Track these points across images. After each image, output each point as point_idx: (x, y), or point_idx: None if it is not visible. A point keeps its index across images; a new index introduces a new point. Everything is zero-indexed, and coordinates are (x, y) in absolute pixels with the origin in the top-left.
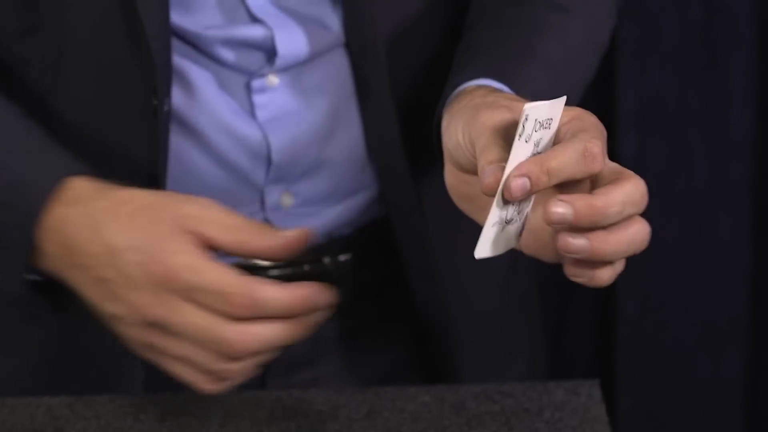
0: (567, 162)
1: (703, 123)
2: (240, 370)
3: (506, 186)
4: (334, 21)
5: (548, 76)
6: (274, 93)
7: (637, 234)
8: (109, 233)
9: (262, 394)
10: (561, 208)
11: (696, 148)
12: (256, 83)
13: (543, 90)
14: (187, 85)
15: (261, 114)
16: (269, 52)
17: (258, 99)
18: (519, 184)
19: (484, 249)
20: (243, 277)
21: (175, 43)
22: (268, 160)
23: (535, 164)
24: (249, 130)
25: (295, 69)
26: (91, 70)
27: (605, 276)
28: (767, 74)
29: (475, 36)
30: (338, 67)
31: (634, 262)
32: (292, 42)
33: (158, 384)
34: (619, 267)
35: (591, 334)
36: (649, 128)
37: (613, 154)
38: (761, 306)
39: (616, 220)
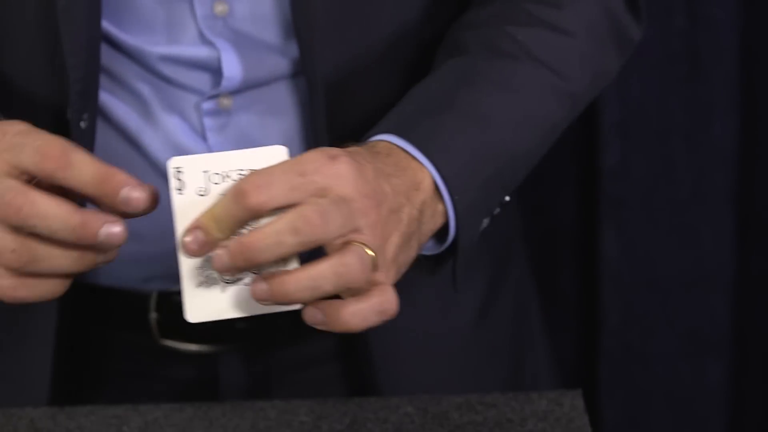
0: (222, 205)
1: (686, 133)
2: (17, 251)
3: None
4: (293, 49)
5: (470, 129)
6: (229, 116)
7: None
8: None
9: (245, 405)
10: (220, 250)
11: (679, 158)
12: (206, 105)
13: (460, 144)
14: (142, 104)
15: (212, 137)
16: (216, 73)
17: (209, 122)
18: (191, 240)
19: (195, 313)
20: (64, 140)
21: (123, 60)
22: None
23: (203, 217)
24: (198, 151)
25: (249, 93)
26: (16, 74)
27: (342, 321)
28: (750, 85)
29: (410, 91)
30: (298, 96)
31: (617, 271)
32: (240, 65)
33: (64, 397)
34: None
35: (574, 343)
36: (632, 138)
37: (596, 164)
38: (743, 315)
39: (274, 254)
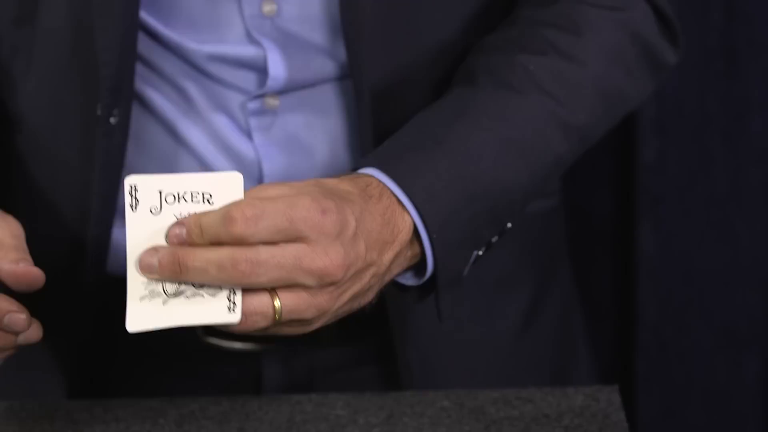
0: (210, 220)
1: (723, 129)
2: None
3: (139, 263)
4: (341, 52)
5: (457, 166)
6: (275, 116)
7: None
8: None
9: (282, 398)
10: (148, 256)
11: (716, 154)
12: (252, 104)
13: (444, 182)
14: (186, 100)
15: (257, 137)
16: (261, 73)
17: (255, 121)
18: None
19: (135, 322)
20: None
21: (163, 53)
22: (260, 183)
23: (191, 219)
24: (244, 150)
25: (296, 94)
26: (50, 71)
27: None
28: None
29: (412, 119)
30: (345, 99)
31: (654, 266)
32: (286, 66)
33: (81, 391)
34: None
35: (610, 338)
36: (669, 134)
37: (633, 160)
38: None
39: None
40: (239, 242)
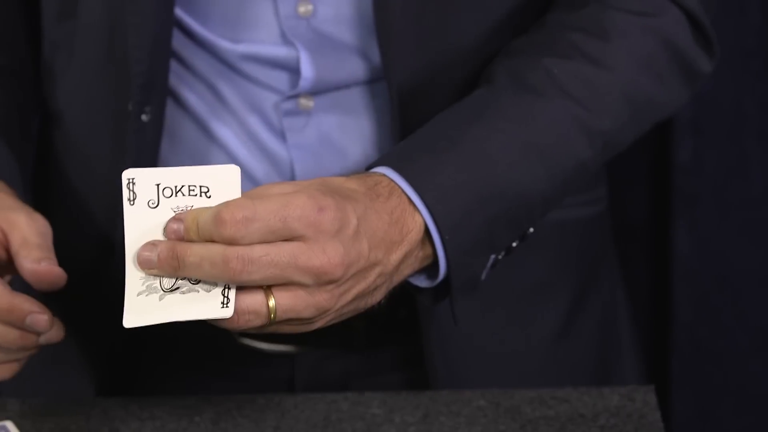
0: (204, 219)
1: (760, 129)
2: None
3: (137, 257)
4: (374, 53)
5: (472, 168)
6: (309, 117)
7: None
8: None
9: (317, 396)
10: (146, 251)
11: (752, 155)
12: (286, 105)
13: (458, 183)
14: (219, 99)
15: (291, 137)
16: (294, 73)
17: (288, 122)
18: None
19: (132, 318)
20: None
21: (197, 51)
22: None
23: (189, 214)
24: (276, 151)
25: (330, 95)
26: (87, 68)
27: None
28: None
29: (432, 119)
30: (378, 100)
31: (689, 267)
32: (319, 67)
33: (110, 390)
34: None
35: (645, 339)
36: (705, 134)
37: (669, 161)
38: None
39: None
40: (231, 244)
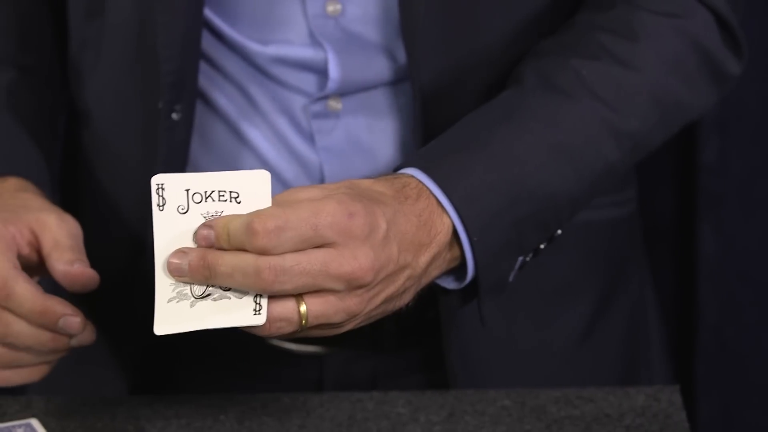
0: (236, 227)
1: None
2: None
3: (167, 265)
4: (401, 53)
5: (500, 169)
6: (338, 119)
7: None
8: None
9: (342, 395)
10: (177, 258)
11: None
12: (314, 107)
13: (486, 184)
14: (249, 101)
15: (320, 139)
16: (321, 75)
17: (317, 124)
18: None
19: (163, 325)
20: (10, 268)
21: (226, 52)
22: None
23: (220, 221)
24: (305, 153)
25: (358, 96)
26: (115, 66)
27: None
28: None
29: (461, 120)
30: (406, 101)
31: (714, 267)
32: (346, 67)
33: (142, 389)
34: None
35: (669, 339)
36: (730, 134)
37: (694, 161)
38: None
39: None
40: (263, 254)
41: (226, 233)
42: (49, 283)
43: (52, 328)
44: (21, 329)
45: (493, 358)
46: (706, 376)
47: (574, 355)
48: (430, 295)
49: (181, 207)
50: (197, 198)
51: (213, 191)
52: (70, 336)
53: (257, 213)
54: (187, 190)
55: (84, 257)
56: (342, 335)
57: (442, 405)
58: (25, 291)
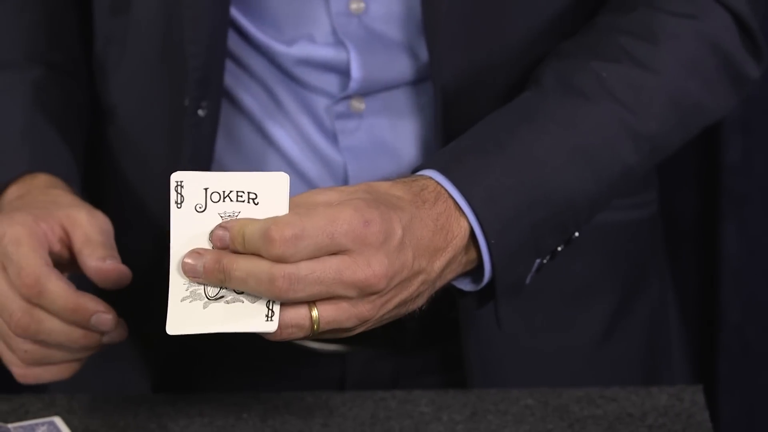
0: (252, 232)
1: None
2: (29, 352)
3: (182, 265)
4: (423, 52)
5: (519, 172)
6: (361, 119)
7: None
8: (6, 214)
9: (365, 394)
10: (192, 259)
11: None
12: (338, 107)
13: (505, 187)
14: (273, 100)
15: (343, 140)
16: (344, 75)
17: (340, 124)
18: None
19: (175, 325)
20: (42, 265)
21: (251, 52)
22: (344, 185)
23: (236, 223)
24: (329, 153)
25: (381, 96)
26: (141, 62)
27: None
28: None
29: (479, 123)
30: (429, 100)
31: (737, 267)
32: (369, 67)
33: (165, 387)
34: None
35: (692, 339)
36: (754, 134)
37: (717, 160)
38: None
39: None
40: (278, 261)
41: (241, 236)
42: (76, 280)
43: (84, 325)
44: (53, 326)
45: (513, 359)
46: (729, 376)
47: (595, 356)
48: (451, 296)
49: (199, 205)
50: (215, 197)
51: (231, 191)
52: (102, 333)
53: (274, 220)
54: (206, 189)
55: (115, 253)
56: (365, 334)
57: (464, 404)
58: (58, 288)
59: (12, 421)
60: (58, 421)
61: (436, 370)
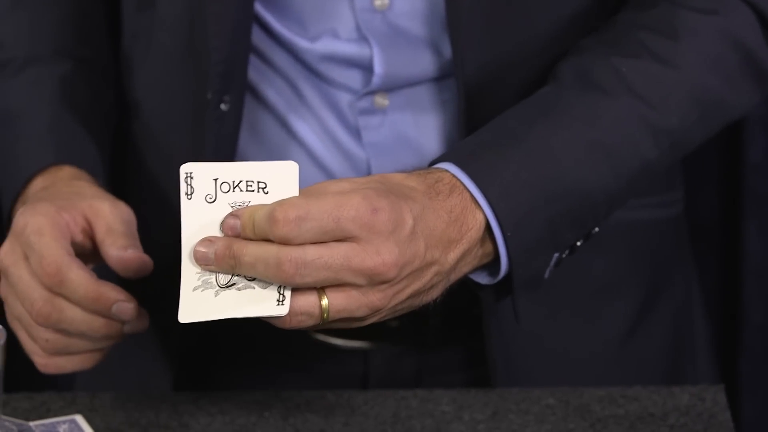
0: (260, 217)
1: None
2: (50, 341)
3: (194, 253)
4: (446, 49)
5: (535, 166)
6: (385, 115)
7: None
8: (30, 205)
9: (387, 393)
10: (203, 247)
11: None
12: (361, 103)
13: (521, 180)
14: (297, 95)
15: (366, 135)
16: (366, 70)
17: (364, 120)
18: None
19: (187, 313)
20: (63, 254)
21: (275, 48)
22: None
23: (246, 210)
24: (352, 148)
25: (405, 92)
26: (165, 57)
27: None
28: None
29: (497, 117)
30: (452, 96)
31: (760, 266)
32: (391, 63)
33: (186, 384)
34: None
35: (714, 338)
36: None
37: (740, 159)
38: None
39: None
40: (284, 243)
41: (251, 223)
42: (96, 272)
43: (105, 314)
44: (75, 315)
45: (536, 357)
46: (751, 376)
47: (618, 354)
48: (473, 292)
49: (209, 196)
50: (225, 187)
51: (241, 181)
52: (123, 322)
53: (280, 202)
54: (216, 180)
55: (137, 243)
56: (387, 331)
57: (486, 403)
58: (79, 277)
59: (33, 419)
60: (79, 419)
61: (459, 367)
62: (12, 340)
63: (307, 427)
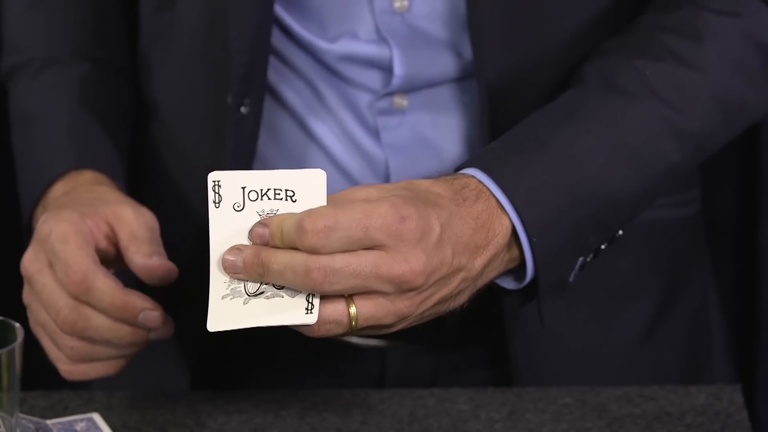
0: (289, 225)
1: None
2: (75, 348)
3: (222, 261)
4: (466, 50)
5: (560, 170)
6: (404, 116)
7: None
8: (53, 211)
9: (404, 392)
10: (232, 256)
11: None
12: (381, 104)
13: (546, 185)
14: (317, 96)
15: (385, 136)
16: (386, 71)
17: (383, 120)
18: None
19: (216, 322)
20: (89, 262)
21: (295, 49)
22: (386, 181)
23: (274, 219)
24: (371, 149)
25: (424, 92)
26: (184, 59)
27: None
28: None
29: (522, 121)
30: (471, 97)
31: None
32: (411, 64)
33: (203, 383)
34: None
35: (731, 337)
36: None
37: (758, 160)
38: None
39: (277, 281)
40: (313, 253)
41: (280, 231)
42: (119, 275)
43: (131, 322)
44: (100, 323)
45: (557, 355)
46: None
47: (637, 353)
48: (492, 292)
49: (237, 204)
50: (253, 196)
51: (269, 189)
52: (149, 330)
53: (308, 212)
54: (243, 188)
55: (161, 250)
56: (405, 330)
57: (503, 402)
58: (105, 285)
59: (51, 417)
60: (96, 417)
61: (475, 366)
62: (29, 339)
63: (324, 426)
